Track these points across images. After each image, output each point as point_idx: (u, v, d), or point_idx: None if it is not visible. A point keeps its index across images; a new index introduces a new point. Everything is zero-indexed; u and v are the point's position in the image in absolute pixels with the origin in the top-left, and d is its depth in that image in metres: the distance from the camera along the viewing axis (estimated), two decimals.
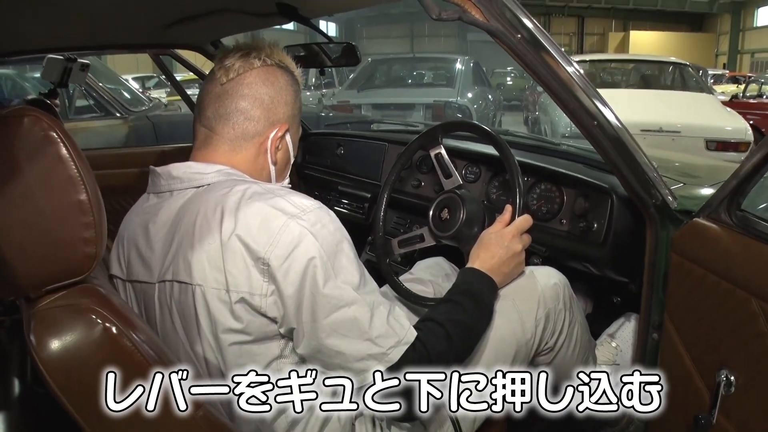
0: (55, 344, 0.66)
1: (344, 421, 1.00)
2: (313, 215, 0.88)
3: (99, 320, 0.68)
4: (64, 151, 0.68)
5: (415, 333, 0.93)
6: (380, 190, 1.53)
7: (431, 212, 1.37)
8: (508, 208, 1.23)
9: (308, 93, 8.05)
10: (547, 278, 1.26)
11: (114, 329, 0.68)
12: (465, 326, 1.02)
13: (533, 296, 1.22)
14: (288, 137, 1.02)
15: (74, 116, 4.13)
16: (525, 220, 1.21)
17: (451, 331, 0.98)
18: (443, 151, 1.42)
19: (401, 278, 1.47)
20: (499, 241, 1.16)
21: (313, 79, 7.96)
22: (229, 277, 0.86)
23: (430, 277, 1.51)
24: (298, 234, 0.85)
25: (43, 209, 0.67)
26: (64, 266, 0.69)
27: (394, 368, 0.89)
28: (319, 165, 2.25)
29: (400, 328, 0.92)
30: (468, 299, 1.06)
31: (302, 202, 0.89)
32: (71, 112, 4.15)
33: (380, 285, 1.08)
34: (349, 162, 2.13)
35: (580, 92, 0.99)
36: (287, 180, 1.10)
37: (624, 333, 1.50)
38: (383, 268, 1.42)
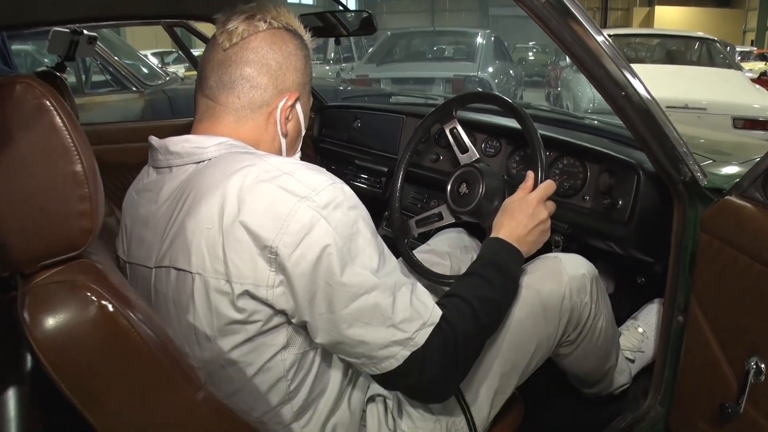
0: (49, 322, 0.63)
1: (354, 407, 0.97)
2: (326, 194, 0.80)
3: (94, 297, 0.64)
4: (57, 120, 0.64)
5: (440, 313, 0.87)
6: (396, 165, 1.47)
7: (449, 187, 1.32)
8: (531, 174, 1.16)
9: (327, 67, 7.94)
10: (575, 268, 1.19)
11: (110, 307, 0.65)
12: (492, 302, 0.96)
13: (559, 287, 1.15)
14: (298, 106, 0.95)
15: (90, 90, 4.09)
16: (549, 186, 1.14)
17: (477, 309, 0.92)
18: (458, 126, 1.37)
19: (418, 250, 1.46)
20: (524, 208, 1.09)
21: (332, 54, 7.84)
22: (231, 266, 0.79)
23: (448, 249, 1.47)
24: (310, 219, 0.77)
25: (36, 180, 0.64)
26: (58, 240, 0.65)
27: (420, 351, 0.83)
28: (336, 138, 2.18)
29: (425, 308, 0.85)
30: (494, 272, 1.00)
31: (313, 179, 0.81)
32: (87, 86, 4.12)
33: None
34: (366, 135, 2.06)
35: (608, 61, 0.92)
36: (299, 153, 1.03)
37: (650, 318, 1.44)
38: (401, 248, 1.37)
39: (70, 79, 3.93)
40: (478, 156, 1.34)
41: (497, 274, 0.99)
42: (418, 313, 0.84)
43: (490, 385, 1.08)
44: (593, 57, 0.91)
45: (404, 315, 0.82)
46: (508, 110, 1.28)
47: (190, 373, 0.72)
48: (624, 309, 1.46)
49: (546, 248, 1.20)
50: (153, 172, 0.92)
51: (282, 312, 0.82)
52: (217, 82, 0.90)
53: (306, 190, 0.79)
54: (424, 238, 1.64)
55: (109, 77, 4.13)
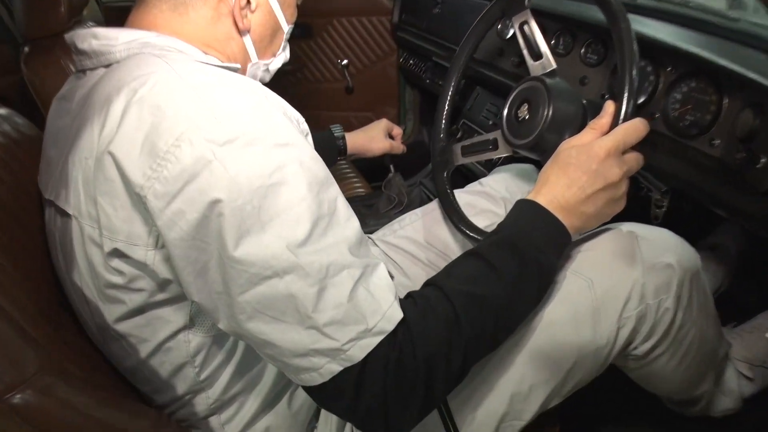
0: None
1: (298, 410, 0.84)
2: (232, 124, 0.62)
3: None
4: None
5: (398, 316, 0.66)
6: (447, 71, 1.19)
7: (506, 109, 1.03)
8: (608, 106, 0.84)
9: None
10: (658, 253, 0.85)
11: None
12: (492, 304, 0.71)
13: (625, 281, 0.83)
14: None
15: None
16: (635, 129, 0.81)
17: (463, 313, 0.69)
18: (531, 21, 1.00)
19: (465, 189, 1.29)
20: (584, 161, 0.79)
21: None
22: (101, 213, 0.65)
23: (506, 192, 1.25)
24: (195, 159, 0.60)
25: None
26: None
27: (356, 368, 0.65)
28: (415, 27, 1.88)
29: (372, 308, 0.65)
30: (509, 257, 0.74)
31: (225, 99, 0.64)
32: None
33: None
34: (444, 25, 1.72)
35: None
36: (281, 57, 0.89)
37: None
38: (438, 182, 1.15)
39: None
40: (555, 66, 0.99)
41: (513, 262, 0.74)
42: (359, 315, 0.64)
43: (493, 410, 0.83)
44: None
45: (334, 315, 0.63)
46: None
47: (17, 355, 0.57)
48: (747, 312, 1.07)
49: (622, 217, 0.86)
50: (73, 77, 0.80)
51: (170, 282, 0.69)
52: None
53: (203, 116, 0.62)
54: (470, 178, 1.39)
55: None
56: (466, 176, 1.57)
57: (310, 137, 0.77)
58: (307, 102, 2.19)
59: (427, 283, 0.75)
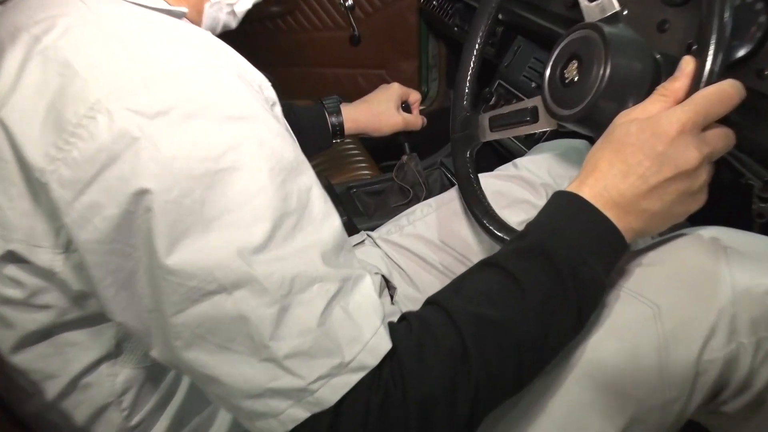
0: None
1: None
2: (174, 89, 0.62)
3: None
4: None
5: (386, 346, 0.66)
6: (476, 13, 1.17)
7: (548, 68, 1.01)
8: (687, 63, 0.79)
9: None
10: (757, 271, 0.78)
11: None
12: (514, 336, 0.70)
13: (707, 307, 0.77)
14: None
15: None
16: (722, 95, 0.75)
17: (473, 344, 0.68)
18: None
19: (495, 173, 1.29)
20: (648, 140, 0.75)
21: None
22: None
23: (548, 177, 1.24)
24: (116, 135, 0.60)
25: None
26: None
27: (328, 416, 0.64)
28: None
29: (352, 334, 0.65)
30: (540, 269, 0.73)
31: (157, 55, 0.64)
32: None
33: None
34: None
35: None
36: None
37: None
38: (458, 163, 1.14)
39: None
40: (618, 8, 0.96)
41: (544, 276, 0.72)
42: (332, 344, 0.64)
43: None
44: None
45: (299, 344, 0.63)
46: None
47: None
48: None
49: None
50: None
51: (85, 295, 0.69)
52: None
53: (128, 77, 0.62)
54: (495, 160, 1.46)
55: None
56: (498, 154, 1.56)
57: (278, 108, 0.77)
58: (299, 57, 2.19)
59: (429, 302, 0.74)
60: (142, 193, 0.59)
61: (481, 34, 1.16)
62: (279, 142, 0.66)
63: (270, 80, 0.79)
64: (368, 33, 2.10)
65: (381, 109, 1.42)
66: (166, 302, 0.62)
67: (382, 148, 1.77)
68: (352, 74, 2.18)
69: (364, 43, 2.11)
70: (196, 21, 0.83)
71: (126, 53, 0.62)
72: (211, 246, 0.61)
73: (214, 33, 0.88)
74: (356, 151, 1.84)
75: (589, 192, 0.77)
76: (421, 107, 1.57)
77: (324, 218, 0.67)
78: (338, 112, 1.38)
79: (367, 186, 1.60)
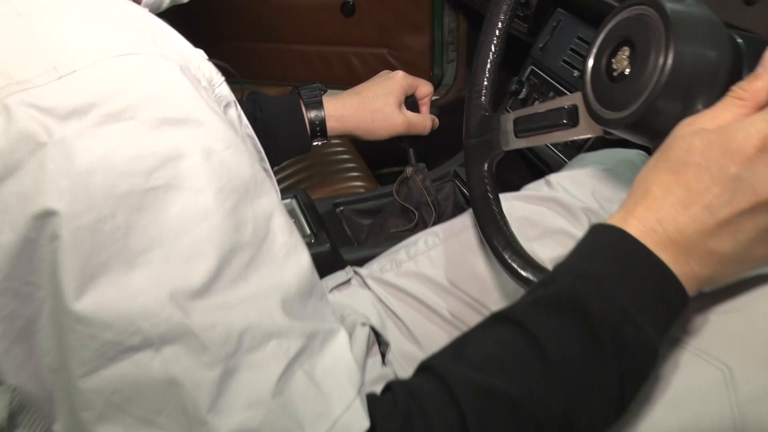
0: None
1: None
2: (93, 81, 0.63)
3: None
4: None
5: (362, 425, 0.68)
6: None
7: (591, 56, 0.99)
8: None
9: None
10: None
11: None
12: (532, 416, 0.71)
13: None
14: None
15: None
16: None
17: (476, 425, 0.69)
18: None
19: (522, 192, 1.32)
20: (717, 159, 0.75)
21: None
22: None
23: (591, 200, 1.25)
24: (15, 140, 0.61)
25: None
26: None
27: None
28: None
29: (317, 409, 0.67)
30: (569, 326, 0.74)
31: (83, 36, 0.66)
32: None
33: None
34: None
35: None
36: None
37: None
38: (473, 180, 1.14)
39: None
40: None
41: (574, 336, 0.74)
42: (290, 421, 0.66)
43: None
44: None
45: (247, 420, 0.64)
46: None
47: None
48: None
49: None
50: None
51: None
52: None
53: (33, 65, 0.64)
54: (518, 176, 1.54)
55: None
56: (528, 165, 1.56)
57: (233, 111, 0.78)
58: (274, 29, 2.21)
59: (422, 367, 0.75)
60: (48, 215, 0.60)
61: (507, 2, 1.15)
62: (232, 154, 0.67)
63: (227, 71, 0.80)
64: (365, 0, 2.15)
65: (377, 106, 1.41)
66: (73, 360, 0.62)
67: (381, 152, 1.77)
68: (344, 54, 2.19)
69: (359, 13, 2.15)
70: None
71: (31, 33, 0.64)
72: (135, 287, 0.62)
73: (157, 9, 0.89)
74: (346, 156, 1.84)
75: (638, 226, 0.76)
76: (434, 98, 1.54)
77: (288, 255, 0.69)
78: (319, 105, 1.36)
79: (359, 203, 1.60)
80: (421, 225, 1.48)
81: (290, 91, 1.39)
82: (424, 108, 1.47)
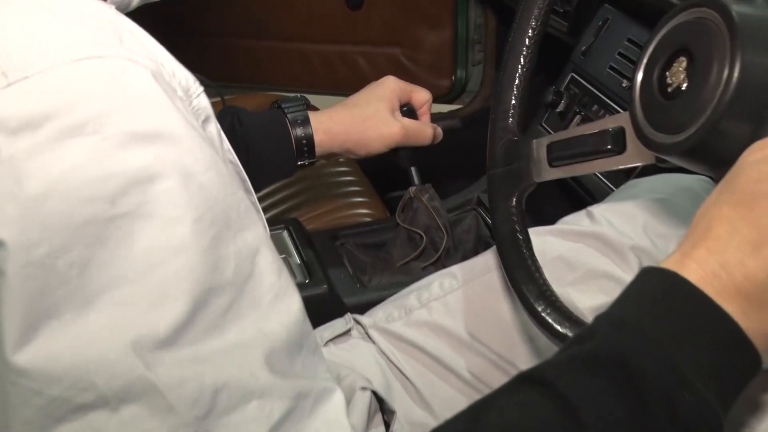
0: None
1: None
2: (50, 90, 0.64)
3: None
4: None
5: None
6: None
7: (641, 69, 1.00)
8: None
9: None
10: None
11: None
12: None
13: None
14: None
15: None
16: None
17: None
18: None
19: (557, 227, 1.35)
20: None
21: None
22: None
23: (642, 236, 1.27)
24: None
25: None
26: None
27: None
28: None
29: None
30: (614, 392, 0.73)
31: (39, 38, 0.67)
32: None
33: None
34: None
35: None
36: None
37: None
38: (498, 216, 1.16)
39: None
40: None
41: (619, 403, 0.73)
42: None
43: None
44: None
45: None
46: None
47: None
48: None
49: None
50: None
51: None
52: None
53: None
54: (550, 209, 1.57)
55: None
56: (567, 191, 1.57)
57: (213, 126, 0.79)
58: (266, 24, 2.24)
59: None
60: None
61: (534, 20, 1.17)
62: (212, 177, 0.68)
63: (205, 82, 0.81)
64: None
65: (367, 113, 1.44)
66: (16, 419, 0.63)
67: (390, 170, 1.76)
68: (349, 53, 2.21)
69: (367, 5, 2.16)
70: None
71: None
72: (90, 333, 0.62)
73: (126, 8, 0.91)
74: (349, 177, 1.85)
75: (697, 270, 0.75)
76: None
77: (275, 299, 0.70)
78: (305, 121, 1.39)
79: (363, 235, 1.61)
80: (431, 250, 1.49)
81: (270, 107, 1.41)
82: (424, 116, 1.49)
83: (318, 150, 1.40)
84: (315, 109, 1.45)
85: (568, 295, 1.07)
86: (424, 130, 1.46)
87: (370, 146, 1.44)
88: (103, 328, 0.63)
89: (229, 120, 1.37)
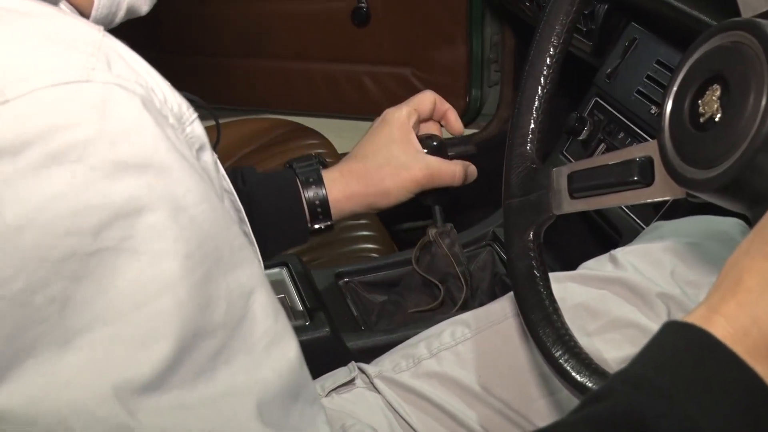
0: None
1: None
2: (30, 116, 0.65)
3: None
4: None
5: None
6: None
7: (670, 97, 1.01)
8: None
9: None
10: None
11: None
12: None
13: None
14: None
15: None
16: None
17: None
18: None
19: (579, 272, 1.36)
20: None
21: None
22: None
23: (670, 282, 1.27)
24: None
25: None
26: None
27: None
28: None
29: None
30: None
31: (20, 64, 0.67)
32: None
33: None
34: None
35: None
36: None
37: None
38: (514, 253, 1.16)
39: None
40: None
41: None
42: None
43: None
44: None
45: None
46: None
47: None
48: None
49: None
50: None
51: None
52: None
53: None
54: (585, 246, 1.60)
55: None
56: (591, 227, 1.57)
57: (208, 156, 0.80)
58: (263, 41, 2.26)
59: None
60: None
61: (563, 14, 1.17)
62: (205, 211, 0.69)
63: (198, 103, 0.83)
64: (382, 4, 2.16)
65: (379, 161, 1.42)
66: None
67: (399, 204, 1.74)
68: (355, 73, 2.21)
69: (375, 22, 2.18)
70: (84, 9, 0.86)
71: None
72: (68, 375, 0.63)
73: (110, 24, 0.91)
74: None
75: (725, 327, 0.74)
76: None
77: (270, 345, 0.71)
78: (318, 182, 1.37)
79: (369, 272, 1.61)
80: (449, 303, 1.48)
81: (283, 167, 1.40)
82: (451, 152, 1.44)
83: (337, 213, 1.39)
84: (329, 164, 1.43)
85: (590, 345, 1.07)
86: (451, 170, 1.42)
87: (391, 196, 1.42)
88: (83, 370, 0.64)
89: (232, 177, 1.33)
